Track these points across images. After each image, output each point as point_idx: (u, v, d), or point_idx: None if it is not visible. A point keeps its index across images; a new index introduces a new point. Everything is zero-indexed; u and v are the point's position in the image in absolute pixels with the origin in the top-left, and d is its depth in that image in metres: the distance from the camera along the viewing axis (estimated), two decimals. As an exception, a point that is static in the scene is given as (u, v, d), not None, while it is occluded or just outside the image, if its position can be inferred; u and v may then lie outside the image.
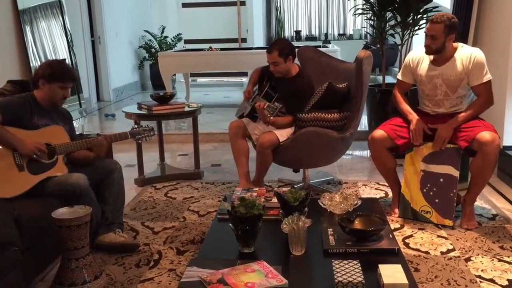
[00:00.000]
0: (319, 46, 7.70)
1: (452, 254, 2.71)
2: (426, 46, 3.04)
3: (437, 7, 4.65)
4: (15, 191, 2.48)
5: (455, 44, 3.06)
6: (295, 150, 3.43)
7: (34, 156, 2.56)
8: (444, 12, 3.10)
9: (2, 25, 5.12)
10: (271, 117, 3.36)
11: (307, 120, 3.42)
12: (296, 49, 3.64)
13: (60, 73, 2.68)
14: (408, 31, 4.61)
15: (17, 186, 2.51)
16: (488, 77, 3.01)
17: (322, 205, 2.58)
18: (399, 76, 3.29)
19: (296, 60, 3.67)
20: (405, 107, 3.18)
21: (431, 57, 3.09)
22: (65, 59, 6.27)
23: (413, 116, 3.09)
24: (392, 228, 2.91)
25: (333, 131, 3.42)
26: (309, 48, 4.11)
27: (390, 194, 3.44)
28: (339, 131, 3.45)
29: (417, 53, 3.20)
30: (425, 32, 3.04)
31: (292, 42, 3.68)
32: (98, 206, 2.72)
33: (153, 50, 9.23)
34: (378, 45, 5.00)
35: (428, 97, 3.16)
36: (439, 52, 3.02)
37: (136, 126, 3.08)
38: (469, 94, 3.14)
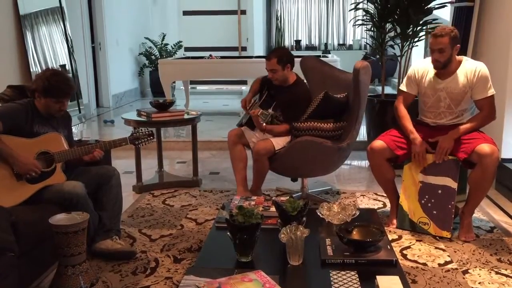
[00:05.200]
0: (319, 56, 7.74)
1: (449, 266, 2.71)
2: (435, 61, 3.00)
3: (436, 19, 4.68)
4: (13, 200, 2.47)
5: (459, 58, 3.06)
6: (291, 158, 3.44)
7: (28, 176, 2.53)
8: (443, 25, 3.11)
9: (3, 29, 5.14)
10: (265, 124, 3.41)
11: (303, 129, 3.43)
12: (299, 59, 3.68)
13: (54, 89, 2.62)
14: (408, 43, 4.64)
15: (15, 196, 2.50)
16: (492, 91, 3.01)
17: (320, 215, 2.57)
18: (403, 88, 3.25)
19: (298, 69, 3.69)
20: (408, 125, 3.13)
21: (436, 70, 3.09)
22: (65, 65, 6.29)
23: (415, 137, 3.06)
24: (390, 239, 2.90)
25: (329, 140, 3.42)
26: (311, 57, 4.12)
27: (388, 205, 3.44)
28: (336, 141, 3.45)
29: (422, 65, 3.19)
30: (430, 48, 2.99)
31: (292, 52, 3.71)
32: (95, 214, 2.71)
33: (153, 57, 9.26)
34: (378, 56, 5.02)
35: (430, 109, 3.16)
36: (447, 65, 3.00)
37: (135, 131, 3.07)
38: (470, 107, 3.15)
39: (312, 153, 3.42)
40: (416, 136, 3.07)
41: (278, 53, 3.54)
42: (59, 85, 2.65)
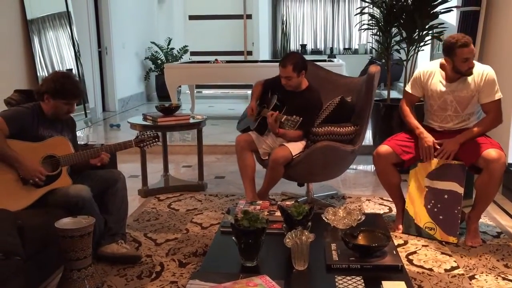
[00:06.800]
0: (324, 60, 7.75)
1: (456, 271, 2.69)
2: (469, 69, 2.96)
3: (442, 23, 4.66)
4: (19, 204, 2.48)
5: None
6: (309, 164, 3.39)
7: (31, 181, 2.54)
8: (456, 34, 3.04)
9: (10, 34, 5.17)
10: (291, 129, 3.31)
11: (321, 134, 3.41)
12: None
13: (64, 90, 2.65)
14: (414, 47, 4.63)
15: (21, 200, 2.51)
16: (498, 95, 3.00)
17: (325, 219, 2.56)
18: (408, 89, 3.27)
19: None
20: (413, 120, 3.17)
21: (443, 73, 3.08)
22: (71, 69, 6.32)
23: (422, 131, 3.08)
24: (396, 244, 2.88)
25: (345, 144, 3.42)
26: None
27: (394, 210, 3.43)
28: (349, 144, 3.45)
29: (428, 67, 3.17)
30: (464, 58, 2.91)
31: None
32: (100, 218, 2.71)
33: (159, 61, 9.30)
34: (383, 60, 5.02)
35: (436, 113, 3.15)
36: None
37: (141, 133, 3.07)
38: (477, 111, 3.13)
39: (331, 157, 3.41)
40: (422, 130, 3.08)
41: (294, 60, 3.44)
42: (69, 87, 2.68)
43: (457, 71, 2.98)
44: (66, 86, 2.66)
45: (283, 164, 3.38)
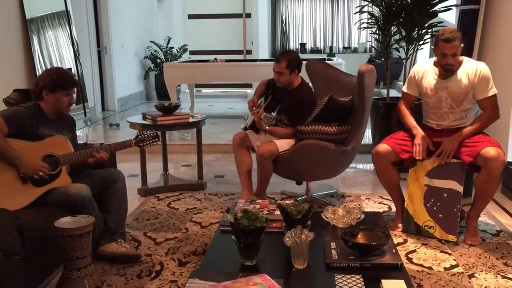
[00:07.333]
0: (324, 59, 7.75)
1: (455, 270, 2.69)
2: (449, 65, 2.97)
3: (441, 22, 4.66)
4: (18, 203, 2.48)
5: (460, 58, 3.06)
6: (294, 161, 3.43)
7: (35, 176, 2.55)
8: (448, 28, 3.08)
9: (9, 34, 5.17)
10: (266, 126, 3.43)
11: (307, 133, 3.43)
12: (304, 62, 3.67)
13: (61, 81, 2.69)
14: (413, 46, 4.63)
15: (20, 199, 2.51)
16: (493, 91, 3.01)
17: (325, 218, 2.57)
18: (404, 89, 3.30)
19: (304, 73, 3.69)
20: (410, 121, 3.18)
21: (437, 70, 3.09)
22: (71, 69, 6.32)
23: (418, 131, 3.09)
24: (395, 242, 2.89)
25: (333, 144, 3.42)
26: (317, 61, 4.12)
27: (394, 208, 3.43)
28: (340, 145, 3.45)
29: (422, 65, 3.20)
30: (442, 53, 2.93)
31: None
32: (100, 217, 2.71)
33: (158, 60, 9.29)
34: (383, 59, 5.02)
35: (432, 110, 3.16)
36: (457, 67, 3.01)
37: (140, 133, 3.07)
38: (474, 108, 3.14)
39: (316, 156, 3.42)
40: (418, 130, 3.08)
41: (289, 57, 3.51)
42: (65, 76, 2.73)
43: (439, 63, 3.01)
44: (62, 77, 2.71)
45: (270, 159, 3.43)
